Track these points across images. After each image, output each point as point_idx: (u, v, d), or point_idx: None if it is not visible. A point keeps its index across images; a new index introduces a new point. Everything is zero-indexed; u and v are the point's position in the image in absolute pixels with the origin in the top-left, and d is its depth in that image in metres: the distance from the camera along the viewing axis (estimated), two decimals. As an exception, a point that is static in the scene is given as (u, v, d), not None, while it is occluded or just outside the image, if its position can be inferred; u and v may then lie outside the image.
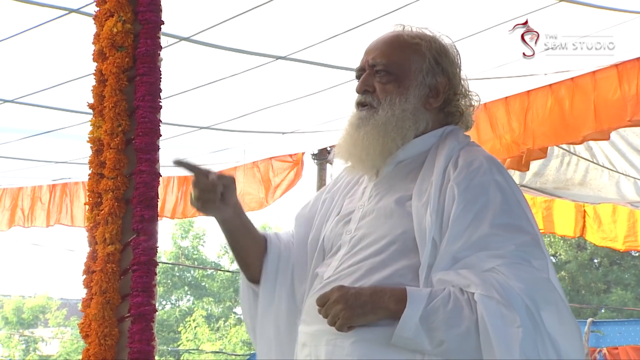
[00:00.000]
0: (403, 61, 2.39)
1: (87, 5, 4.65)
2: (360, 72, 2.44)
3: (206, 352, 29.23)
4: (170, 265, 31.58)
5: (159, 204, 2.84)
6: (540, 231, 2.53)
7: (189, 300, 33.82)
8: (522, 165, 5.85)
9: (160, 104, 2.80)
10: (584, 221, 8.06)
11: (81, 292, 2.78)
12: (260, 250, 2.50)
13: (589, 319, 8.94)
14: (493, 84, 5.65)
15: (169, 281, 32.90)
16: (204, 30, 5.08)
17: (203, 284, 33.15)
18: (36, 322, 35.61)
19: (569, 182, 7.16)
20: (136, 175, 2.74)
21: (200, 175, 2.28)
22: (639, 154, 6.56)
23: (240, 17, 4.87)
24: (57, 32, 5.07)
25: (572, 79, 5.45)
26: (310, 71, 5.66)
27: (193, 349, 29.61)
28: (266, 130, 7.16)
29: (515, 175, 6.75)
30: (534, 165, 6.79)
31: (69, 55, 5.37)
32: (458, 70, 2.44)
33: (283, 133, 7.18)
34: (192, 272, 33.63)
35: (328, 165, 7.96)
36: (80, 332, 2.76)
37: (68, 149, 7.64)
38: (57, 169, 8.37)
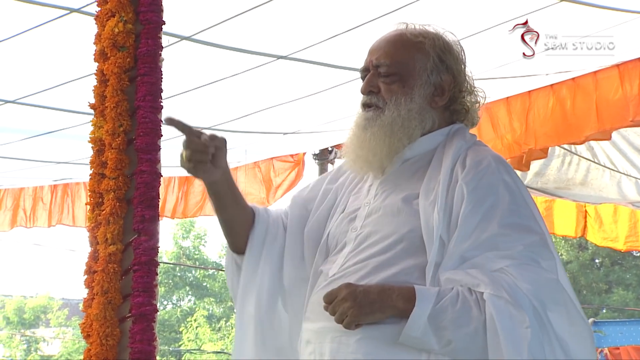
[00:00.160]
0: (407, 60, 2.38)
1: (88, 5, 4.65)
2: (364, 72, 2.44)
3: (207, 352, 29.24)
4: (171, 265, 31.59)
5: (160, 203, 2.84)
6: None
7: (190, 300, 33.82)
8: (523, 165, 5.85)
9: (162, 104, 2.80)
10: (585, 221, 8.05)
11: (83, 292, 2.79)
12: (246, 220, 2.48)
13: (591, 319, 8.96)
14: (494, 84, 5.65)
15: (170, 281, 32.90)
16: (205, 30, 5.08)
17: (204, 284, 33.16)
18: (37, 322, 35.61)
19: (570, 182, 7.15)
20: (137, 176, 2.75)
21: (192, 136, 2.26)
22: (640, 154, 6.56)
23: (241, 17, 4.86)
24: (58, 32, 5.07)
25: (573, 79, 5.45)
26: (311, 71, 5.66)
27: (194, 349, 29.61)
28: (267, 131, 7.16)
29: (516, 175, 6.74)
30: (535, 165, 6.79)
31: (70, 55, 5.37)
32: (463, 66, 2.44)
33: (284, 133, 7.18)
34: (193, 272, 33.63)
35: (329, 165, 7.96)
36: (81, 332, 2.77)
37: (69, 150, 7.64)
38: (59, 170, 8.37)
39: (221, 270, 31.68)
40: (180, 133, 2.30)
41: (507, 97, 5.79)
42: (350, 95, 5.67)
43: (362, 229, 2.34)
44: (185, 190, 8.15)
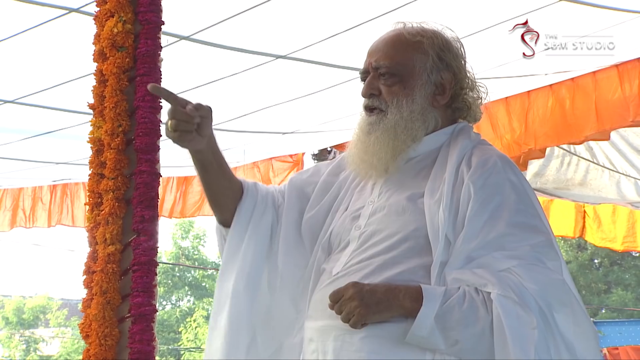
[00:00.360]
0: (406, 61, 2.38)
1: (87, 4, 4.65)
2: (364, 74, 2.43)
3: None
4: (170, 265, 31.59)
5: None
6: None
7: (189, 300, 33.83)
8: (520, 165, 5.85)
9: (161, 104, 2.80)
10: (584, 221, 8.06)
11: (82, 293, 2.78)
12: (233, 192, 2.47)
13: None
14: (493, 84, 5.64)
15: (169, 281, 32.90)
16: (203, 30, 5.08)
17: (203, 284, 33.16)
18: (36, 322, 35.61)
19: (569, 183, 7.15)
20: (136, 176, 2.74)
21: (178, 105, 2.24)
22: (639, 154, 6.56)
23: (240, 16, 4.86)
24: (57, 31, 5.07)
25: (572, 79, 5.45)
26: (310, 70, 5.66)
27: (193, 348, 29.60)
28: (266, 130, 7.16)
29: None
30: (535, 165, 6.79)
31: (69, 55, 5.36)
32: (463, 62, 2.43)
33: (283, 133, 7.18)
34: (192, 272, 33.64)
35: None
36: (80, 333, 2.76)
37: (68, 150, 7.64)
38: (58, 170, 8.36)
39: (220, 270, 31.69)
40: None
41: (507, 97, 5.79)
42: (349, 95, 5.68)
43: (366, 228, 2.33)
44: (184, 190, 8.15)
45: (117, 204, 2.73)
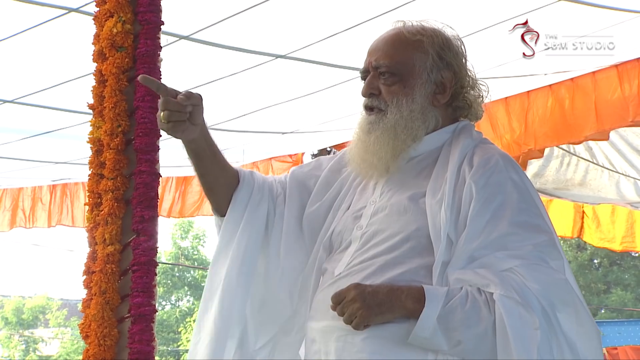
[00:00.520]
0: (406, 60, 2.37)
1: (86, 4, 4.65)
2: (364, 74, 2.43)
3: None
4: (170, 265, 31.59)
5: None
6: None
7: (188, 300, 33.82)
8: (520, 165, 5.85)
9: (160, 104, 2.79)
10: (582, 222, 8.06)
11: (82, 293, 2.78)
12: (229, 181, 2.47)
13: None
14: (493, 84, 5.63)
15: (168, 281, 32.91)
16: (203, 29, 5.07)
17: (203, 284, 33.04)
18: (36, 322, 35.61)
19: (569, 183, 7.15)
20: (136, 176, 2.74)
21: (169, 96, 2.24)
22: (639, 154, 6.56)
23: (240, 16, 4.86)
24: (56, 31, 5.06)
25: (572, 79, 5.46)
26: (310, 70, 5.65)
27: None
28: (265, 130, 7.15)
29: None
30: (534, 165, 6.80)
31: (68, 55, 5.36)
32: (463, 61, 2.42)
33: (283, 133, 7.17)
34: (191, 272, 33.64)
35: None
36: (80, 333, 2.76)
37: (68, 149, 7.63)
38: (57, 170, 8.36)
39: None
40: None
41: (506, 97, 5.80)
42: (348, 95, 5.68)
43: (367, 228, 2.33)
44: (183, 190, 8.15)
45: (116, 204, 2.73)
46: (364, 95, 2.41)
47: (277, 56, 5.45)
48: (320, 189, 2.52)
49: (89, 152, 2.86)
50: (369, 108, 2.40)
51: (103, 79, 2.84)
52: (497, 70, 5.48)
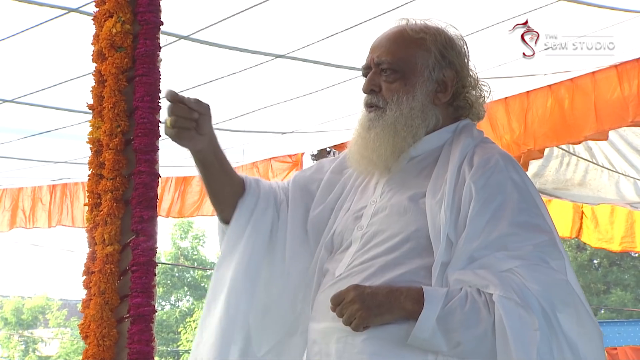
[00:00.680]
0: (408, 58, 2.37)
1: (86, 4, 4.65)
2: (366, 70, 2.42)
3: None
4: (169, 265, 31.60)
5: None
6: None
7: (188, 300, 33.83)
8: (522, 165, 5.85)
9: (160, 104, 2.79)
10: (581, 222, 8.06)
11: (82, 293, 2.78)
12: (235, 190, 2.45)
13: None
14: (492, 84, 5.63)
15: (168, 282, 32.91)
16: (202, 29, 5.07)
17: (202, 284, 33.16)
18: (35, 322, 35.61)
19: (569, 183, 7.15)
20: (135, 176, 2.73)
21: (176, 102, 2.22)
22: (639, 154, 6.56)
23: (239, 15, 4.86)
24: (56, 31, 5.06)
25: (571, 79, 5.46)
26: (309, 70, 5.65)
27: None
28: (265, 130, 7.15)
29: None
30: (534, 166, 6.79)
31: (68, 55, 5.36)
32: (466, 61, 2.42)
33: (282, 133, 7.17)
34: (191, 272, 33.65)
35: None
36: (80, 333, 2.76)
37: (67, 149, 7.64)
38: (57, 169, 8.36)
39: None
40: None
41: (506, 98, 5.79)
42: (348, 95, 5.67)
43: (368, 228, 2.32)
44: (182, 190, 8.14)
45: (115, 204, 2.72)
46: (364, 91, 2.41)
47: (277, 56, 5.45)
48: (323, 191, 2.52)
49: (89, 152, 2.86)
50: (368, 105, 2.40)
51: (102, 79, 2.83)
52: (497, 70, 5.47)
